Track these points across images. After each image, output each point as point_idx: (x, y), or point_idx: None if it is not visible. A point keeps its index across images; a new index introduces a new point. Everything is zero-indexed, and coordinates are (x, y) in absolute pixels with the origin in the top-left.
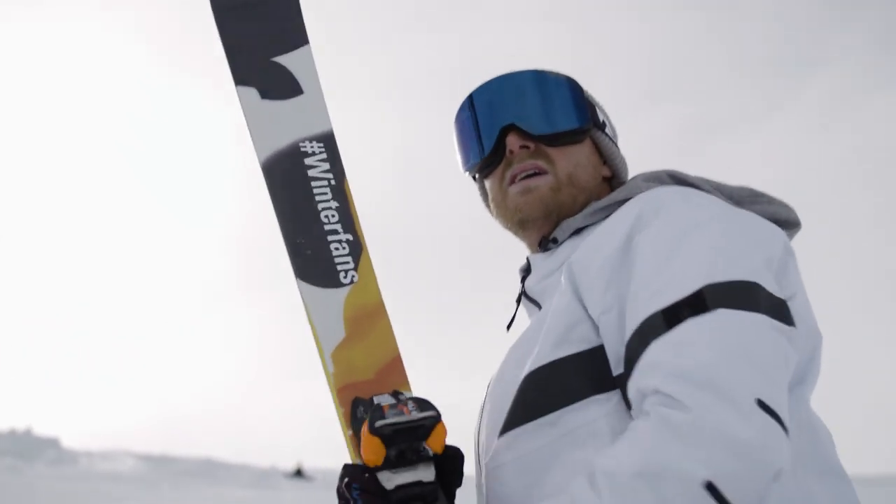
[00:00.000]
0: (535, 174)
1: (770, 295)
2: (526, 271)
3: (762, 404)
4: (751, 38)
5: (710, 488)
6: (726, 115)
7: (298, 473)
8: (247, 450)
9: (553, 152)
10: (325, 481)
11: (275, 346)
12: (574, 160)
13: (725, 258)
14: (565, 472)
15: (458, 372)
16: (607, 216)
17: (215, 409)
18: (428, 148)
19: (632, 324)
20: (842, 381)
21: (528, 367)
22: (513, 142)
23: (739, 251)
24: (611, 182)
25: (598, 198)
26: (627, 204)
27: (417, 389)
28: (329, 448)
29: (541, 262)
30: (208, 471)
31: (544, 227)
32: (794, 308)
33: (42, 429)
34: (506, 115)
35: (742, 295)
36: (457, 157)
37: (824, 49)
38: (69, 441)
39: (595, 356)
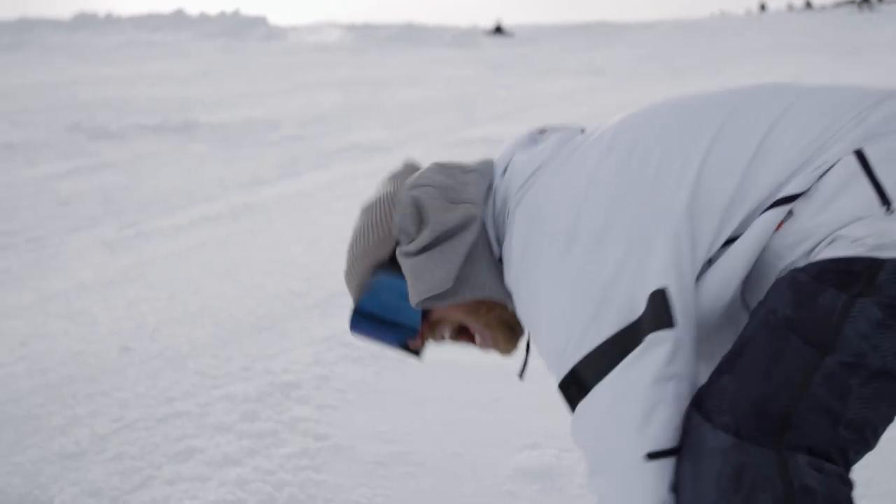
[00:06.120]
0: (470, 341)
1: (626, 327)
2: None
3: (650, 455)
4: None
5: None
6: None
7: (498, 30)
8: (447, 12)
9: (445, 313)
10: (524, 37)
11: None
12: (466, 305)
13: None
14: None
15: None
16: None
17: None
18: None
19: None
20: None
21: None
22: (416, 345)
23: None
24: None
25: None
26: None
27: None
28: (527, 6)
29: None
30: (411, 35)
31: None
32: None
33: (249, 9)
34: (392, 339)
35: (608, 357)
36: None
37: None
38: (276, 19)
39: None
